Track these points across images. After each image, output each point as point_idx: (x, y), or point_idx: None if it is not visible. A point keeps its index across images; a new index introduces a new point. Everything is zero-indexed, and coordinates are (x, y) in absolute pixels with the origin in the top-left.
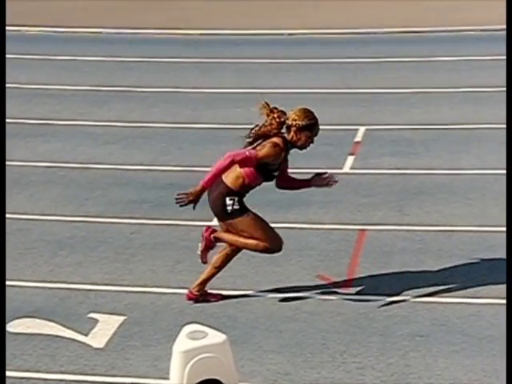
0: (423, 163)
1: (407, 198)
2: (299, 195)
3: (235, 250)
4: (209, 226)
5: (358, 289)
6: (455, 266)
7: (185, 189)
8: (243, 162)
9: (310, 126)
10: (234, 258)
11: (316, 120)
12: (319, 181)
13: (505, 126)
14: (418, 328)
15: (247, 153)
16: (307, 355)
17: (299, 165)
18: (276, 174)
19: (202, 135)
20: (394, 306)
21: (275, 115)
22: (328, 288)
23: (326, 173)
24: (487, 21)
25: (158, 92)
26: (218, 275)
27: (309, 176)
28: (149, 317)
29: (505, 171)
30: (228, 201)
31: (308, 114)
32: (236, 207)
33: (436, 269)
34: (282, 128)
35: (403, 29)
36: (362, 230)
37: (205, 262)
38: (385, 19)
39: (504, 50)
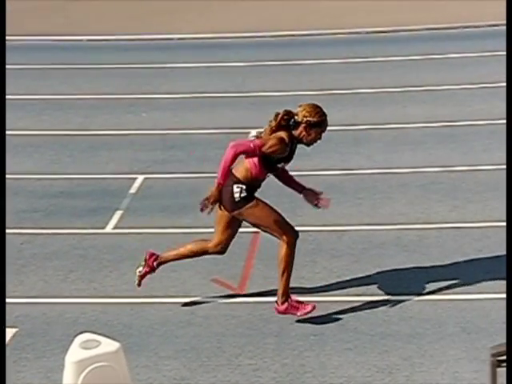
0: (314, 164)
1: (299, 200)
2: (192, 199)
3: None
4: (152, 253)
5: (253, 291)
6: (347, 265)
7: (75, 196)
8: (247, 153)
9: (320, 123)
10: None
11: (326, 116)
12: (310, 195)
13: (391, 125)
14: (313, 327)
15: (251, 144)
16: (203, 359)
17: (192, 169)
18: (280, 165)
19: (92, 142)
20: None
21: (280, 115)
22: (223, 291)
23: (321, 193)
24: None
25: (47, 99)
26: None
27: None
28: (41, 328)
29: (392, 170)
30: (235, 188)
31: (319, 110)
32: (243, 195)
33: (329, 268)
34: (288, 124)
35: (277, 33)
36: (256, 232)
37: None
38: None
39: (380, 52)
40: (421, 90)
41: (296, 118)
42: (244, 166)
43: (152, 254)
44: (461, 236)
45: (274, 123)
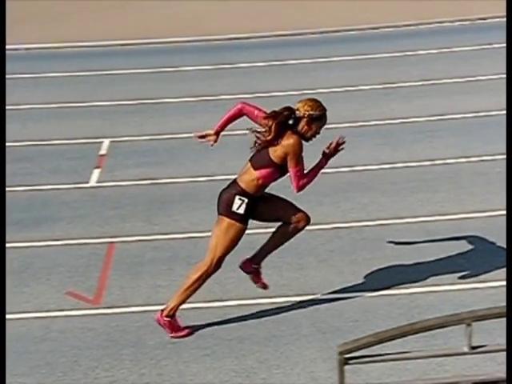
0: (169, 172)
1: (155, 208)
2: (45, 212)
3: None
4: (159, 311)
5: (109, 302)
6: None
7: None
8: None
9: (322, 116)
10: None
11: (326, 110)
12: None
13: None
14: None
15: (297, 174)
16: (58, 374)
17: (44, 181)
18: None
19: None
20: (145, 315)
21: (281, 111)
22: (78, 304)
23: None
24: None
25: None
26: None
27: None
28: None
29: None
30: (237, 200)
31: (319, 104)
32: (241, 211)
33: (185, 275)
34: (287, 123)
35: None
36: (111, 242)
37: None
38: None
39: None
40: (252, 97)
41: (297, 113)
42: (250, 177)
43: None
44: (313, 237)
45: (274, 123)
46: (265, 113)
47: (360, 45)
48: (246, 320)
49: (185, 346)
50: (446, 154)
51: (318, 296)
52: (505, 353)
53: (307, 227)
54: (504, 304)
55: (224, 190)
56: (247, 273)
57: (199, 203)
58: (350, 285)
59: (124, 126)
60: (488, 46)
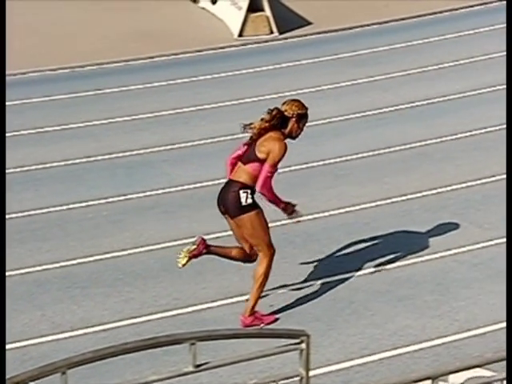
0: None
1: None
2: None
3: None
4: (203, 239)
5: None
6: None
7: None
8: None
9: (307, 114)
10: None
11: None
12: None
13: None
14: None
15: (268, 174)
16: None
17: None
18: None
19: None
20: None
21: (274, 113)
22: None
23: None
24: None
25: None
26: None
27: None
28: None
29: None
30: (242, 193)
31: (302, 103)
32: (249, 201)
33: None
34: (278, 123)
35: None
36: None
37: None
38: None
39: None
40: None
41: (286, 114)
42: (245, 171)
43: (203, 240)
44: None
45: (266, 123)
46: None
47: None
48: None
49: None
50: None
51: None
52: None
53: None
54: None
55: (223, 193)
56: (198, 251)
57: None
58: None
59: None
60: None
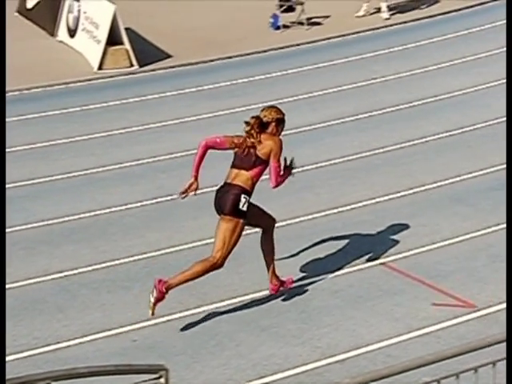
0: None
1: None
2: None
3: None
4: (160, 279)
5: None
6: None
7: None
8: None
9: (284, 119)
10: None
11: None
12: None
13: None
14: None
15: (277, 169)
16: None
17: None
18: None
19: None
20: None
21: (253, 121)
22: None
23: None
24: None
25: None
26: None
27: None
28: None
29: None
30: (242, 198)
31: (280, 109)
32: (244, 208)
33: None
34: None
35: None
36: None
37: (153, 314)
38: None
39: None
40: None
41: (265, 119)
42: (246, 177)
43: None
44: None
45: (252, 130)
46: (225, 137)
47: None
48: None
49: None
50: None
51: None
52: None
53: None
54: None
55: (222, 193)
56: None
57: None
58: None
59: None
60: None
